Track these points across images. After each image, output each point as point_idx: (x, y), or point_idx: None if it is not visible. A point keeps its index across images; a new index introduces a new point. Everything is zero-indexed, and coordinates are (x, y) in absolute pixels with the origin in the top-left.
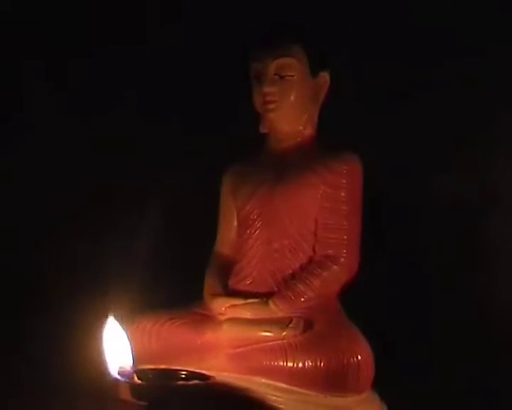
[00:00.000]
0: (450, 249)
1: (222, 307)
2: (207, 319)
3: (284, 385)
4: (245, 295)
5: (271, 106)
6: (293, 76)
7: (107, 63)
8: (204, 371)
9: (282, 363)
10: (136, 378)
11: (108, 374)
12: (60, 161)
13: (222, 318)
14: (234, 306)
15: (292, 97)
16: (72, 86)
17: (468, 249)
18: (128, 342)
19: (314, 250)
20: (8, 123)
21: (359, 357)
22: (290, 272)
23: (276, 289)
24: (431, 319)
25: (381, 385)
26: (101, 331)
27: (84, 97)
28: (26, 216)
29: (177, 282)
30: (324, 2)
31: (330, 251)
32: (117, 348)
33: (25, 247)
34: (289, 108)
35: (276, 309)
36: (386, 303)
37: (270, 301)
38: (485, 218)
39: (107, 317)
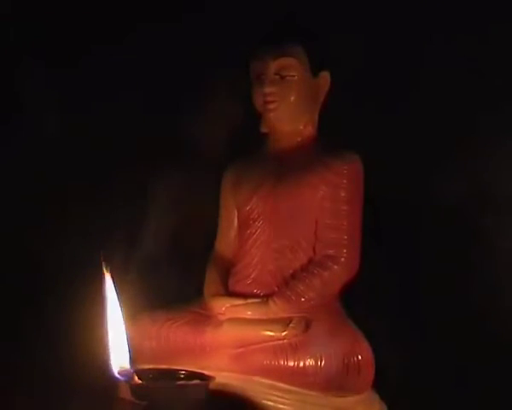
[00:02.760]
0: (450, 249)
1: (222, 307)
2: (207, 319)
3: (285, 385)
4: (245, 295)
5: (272, 106)
6: (293, 76)
7: (107, 63)
8: (204, 371)
9: (282, 363)
10: (136, 378)
11: (109, 374)
12: (59, 159)
13: (222, 318)
14: (234, 306)
15: (292, 97)
16: (71, 86)
17: (467, 249)
18: (128, 342)
19: (314, 250)
20: (7, 123)
21: (359, 357)
22: (290, 272)
23: (276, 289)
24: (431, 318)
25: (381, 385)
26: (101, 331)
27: (84, 97)
28: (24, 214)
29: (176, 281)
30: (324, 2)
31: (331, 251)
32: (117, 347)
33: (24, 245)
34: (290, 108)
35: (276, 309)
36: (387, 303)
37: (271, 301)
38: (485, 218)
39: (107, 315)
